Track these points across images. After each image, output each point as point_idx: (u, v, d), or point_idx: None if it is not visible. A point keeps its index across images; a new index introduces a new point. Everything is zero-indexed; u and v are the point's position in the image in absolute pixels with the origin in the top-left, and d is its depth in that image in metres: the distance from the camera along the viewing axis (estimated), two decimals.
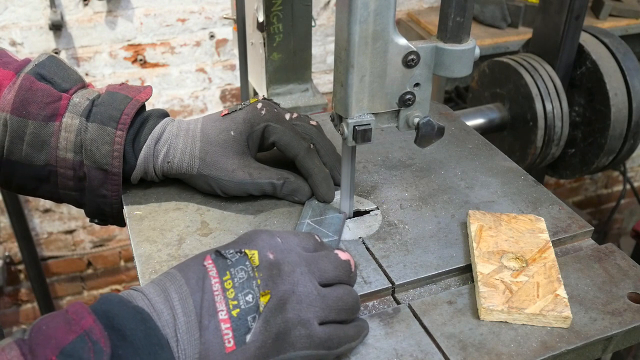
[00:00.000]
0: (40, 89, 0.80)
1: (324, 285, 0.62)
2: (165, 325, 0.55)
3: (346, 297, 0.62)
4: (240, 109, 0.85)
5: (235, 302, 0.56)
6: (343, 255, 0.64)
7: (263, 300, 0.57)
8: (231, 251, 0.59)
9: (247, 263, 0.58)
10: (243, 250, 0.59)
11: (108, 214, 0.88)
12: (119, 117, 0.80)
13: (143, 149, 0.83)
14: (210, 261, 0.58)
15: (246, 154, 0.84)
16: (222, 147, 0.82)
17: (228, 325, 0.55)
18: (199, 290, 0.56)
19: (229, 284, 0.57)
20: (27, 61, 0.83)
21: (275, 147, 0.86)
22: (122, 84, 0.86)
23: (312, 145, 0.86)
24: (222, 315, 0.55)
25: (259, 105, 0.86)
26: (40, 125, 0.79)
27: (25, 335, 0.51)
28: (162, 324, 0.54)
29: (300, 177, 0.86)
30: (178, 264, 0.61)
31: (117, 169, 0.81)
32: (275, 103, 0.88)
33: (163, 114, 0.87)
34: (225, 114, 0.85)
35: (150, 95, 0.85)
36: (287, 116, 0.87)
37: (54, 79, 0.81)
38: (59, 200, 0.88)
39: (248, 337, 0.55)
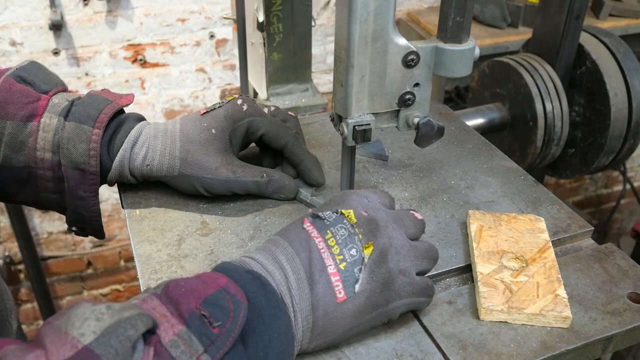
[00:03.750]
0: (19, 90, 0.79)
1: (409, 238, 0.66)
2: (279, 284, 0.59)
3: (432, 249, 0.67)
4: (219, 106, 0.85)
5: (341, 257, 0.60)
6: (418, 215, 0.69)
7: (367, 252, 0.61)
8: (327, 212, 0.63)
9: (345, 221, 0.62)
10: (339, 211, 0.63)
11: (86, 220, 0.85)
12: (97, 116, 0.79)
13: (119, 152, 0.81)
14: (309, 224, 0.63)
15: (228, 152, 0.83)
16: (203, 145, 0.81)
17: (337, 277, 0.59)
18: (304, 250, 0.60)
19: (332, 241, 0.61)
20: (9, 68, 0.82)
21: (258, 141, 0.87)
22: (104, 89, 0.86)
23: (296, 133, 0.88)
24: (331, 269, 0.59)
25: (239, 101, 0.85)
26: (19, 126, 0.78)
27: (158, 290, 0.55)
28: (276, 282, 0.59)
29: (285, 174, 0.86)
30: (279, 231, 0.65)
31: (94, 167, 0.80)
32: (251, 99, 0.88)
33: (139, 118, 0.86)
34: (204, 113, 0.84)
35: (132, 102, 0.85)
36: (266, 110, 0.88)
37: (34, 81, 0.81)
38: (40, 205, 0.87)
39: (357, 287, 0.60)
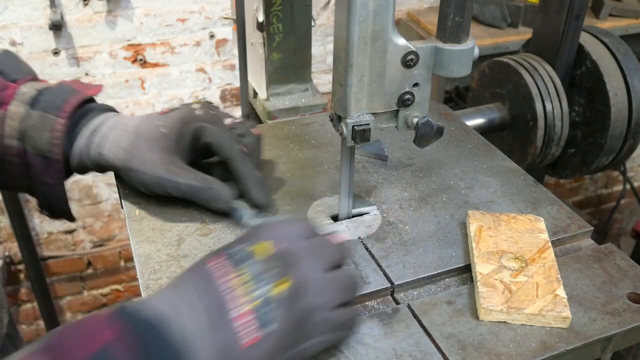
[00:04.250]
0: None
1: (327, 270, 0.63)
2: (178, 333, 0.54)
3: (351, 278, 0.65)
4: (177, 108, 0.86)
5: (250, 297, 0.56)
6: (336, 239, 0.66)
7: (278, 291, 0.57)
8: (237, 248, 0.60)
9: (256, 258, 0.59)
10: (252, 245, 0.60)
11: (54, 204, 0.87)
12: (62, 106, 0.81)
13: (77, 139, 0.83)
14: (215, 262, 0.59)
15: (172, 152, 0.82)
16: (149, 141, 0.82)
17: (250, 317, 0.56)
18: (206, 293, 0.56)
19: (245, 277, 0.57)
20: None
21: (207, 149, 0.84)
22: (75, 80, 0.88)
23: (244, 149, 0.84)
24: (236, 312, 0.55)
25: (195, 105, 0.86)
26: None
27: (47, 341, 0.51)
28: (175, 331, 0.54)
29: (224, 185, 0.82)
30: (185, 271, 0.61)
31: (58, 156, 0.81)
32: (215, 107, 0.88)
33: (107, 109, 0.87)
34: (163, 112, 0.85)
35: (99, 91, 0.87)
36: (228, 120, 0.86)
37: (4, 70, 0.83)
38: (14, 189, 0.89)
39: (267, 329, 0.56)
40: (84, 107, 0.85)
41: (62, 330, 0.52)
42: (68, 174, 0.87)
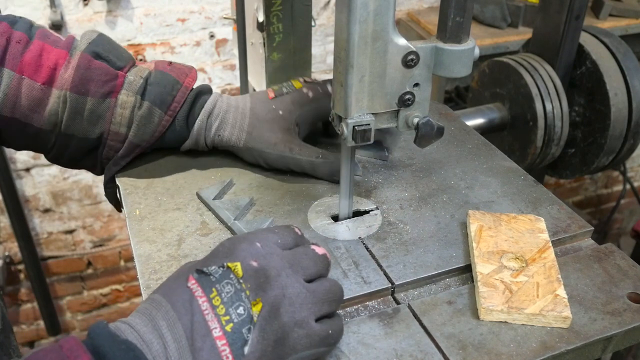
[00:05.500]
0: (97, 68, 0.86)
1: (308, 281, 0.62)
2: (157, 355, 0.53)
3: (333, 288, 0.63)
4: (287, 92, 0.93)
5: (227, 317, 0.55)
6: (320, 250, 0.64)
7: (255, 310, 0.56)
8: (213, 267, 0.58)
9: (232, 276, 0.57)
10: (225, 264, 0.58)
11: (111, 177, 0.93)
12: (170, 103, 0.88)
13: (197, 122, 0.90)
14: (194, 281, 0.57)
15: (291, 132, 0.90)
16: (269, 123, 0.90)
17: (224, 341, 0.54)
18: (187, 313, 0.55)
19: (217, 300, 0.55)
20: (71, 38, 0.89)
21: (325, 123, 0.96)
22: (170, 63, 0.93)
23: None
24: (216, 332, 0.54)
25: (305, 89, 0.93)
26: (98, 102, 0.86)
27: None
28: (153, 354, 0.53)
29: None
30: (161, 286, 0.59)
31: (148, 144, 0.90)
32: (319, 82, 0.95)
33: (210, 89, 0.94)
34: (273, 97, 0.92)
35: (196, 79, 0.92)
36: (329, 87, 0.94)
37: (109, 57, 0.88)
38: (92, 168, 0.95)
39: (246, 349, 0.54)
40: (192, 90, 0.91)
41: (35, 356, 0.51)
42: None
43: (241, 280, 0.57)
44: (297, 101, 0.91)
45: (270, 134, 0.89)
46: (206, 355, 0.53)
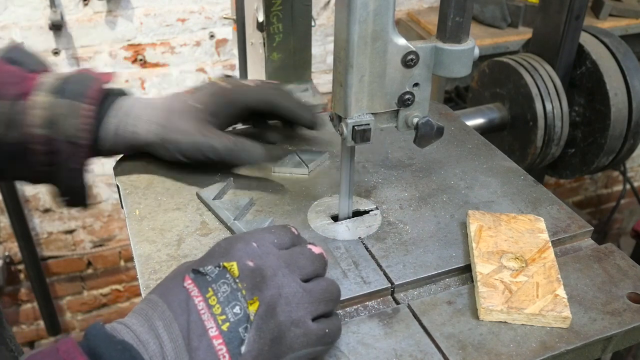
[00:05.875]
0: (9, 71, 0.84)
1: (305, 281, 0.62)
2: (153, 355, 0.53)
3: (330, 288, 0.62)
4: (204, 86, 0.92)
5: (224, 317, 0.55)
6: (316, 250, 0.64)
7: (252, 309, 0.56)
8: (209, 267, 0.58)
9: (228, 276, 0.57)
10: (221, 264, 0.58)
11: (76, 191, 0.90)
12: (87, 93, 0.84)
13: (112, 122, 0.87)
14: (190, 281, 0.57)
15: (207, 122, 0.88)
16: (183, 114, 0.88)
17: (220, 340, 0.54)
18: (183, 313, 0.55)
19: (214, 300, 0.56)
20: None
21: (247, 115, 0.93)
22: (86, 68, 0.92)
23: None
24: (213, 332, 0.54)
25: (222, 83, 0.92)
26: (11, 104, 0.82)
27: None
28: (150, 354, 0.53)
29: (255, 142, 0.88)
30: (157, 287, 0.59)
31: (86, 141, 0.84)
32: (235, 77, 0.94)
33: (122, 92, 0.91)
34: (189, 91, 0.92)
35: (112, 79, 0.91)
36: (252, 83, 0.93)
37: (24, 61, 0.86)
38: (34, 179, 0.91)
39: (243, 349, 0.54)
40: (105, 91, 0.88)
41: (32, 359, 0.51)
42: (93, 158, 0.90)
43: (237, 280, 0.57)
44: (212, 93, 0.90)
45: (184, 123, 0.87)
46: (203, 355, 0.53)
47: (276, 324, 0.57)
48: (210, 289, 0.56)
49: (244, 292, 0.56)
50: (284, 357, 0.58)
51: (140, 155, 0.93)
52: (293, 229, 0.66)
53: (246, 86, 0.92)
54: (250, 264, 0.58)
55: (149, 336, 0.54)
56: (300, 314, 0.59)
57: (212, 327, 0.54)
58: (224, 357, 0.54)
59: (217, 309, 0.55)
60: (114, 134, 0.88)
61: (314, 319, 0.60)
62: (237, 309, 0.55)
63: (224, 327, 0.55)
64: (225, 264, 0.58)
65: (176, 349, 0.54)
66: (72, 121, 0.83)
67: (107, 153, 0.91)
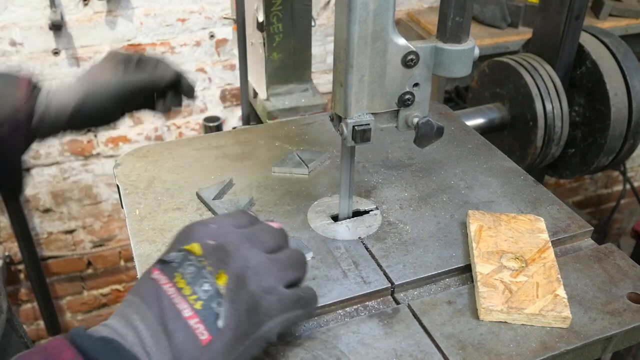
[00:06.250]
0: None
1: (268, 253, 0.63)
2: (133, 344, 0.55)
3: (295, 255, 0.65)
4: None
5: (195, 297, 0.56)
6: (276, 224, 0.66)
7: (221, 283, 0.57)
8: (173, 254, 0.59)
9: (192, 257, 0.59)
10: (183, 248, 0.60)
11: (10, 171, 0.90)
12: (17, 81, 0.86)
13: (42, 101, 0.87)
14: (157, 271, 0.59)
15: (123, 69, 0.89)
16: (95, 73, 0.89)
17: (196, 319, 0.55)
18: (155, 302, 0.56)
19: (182, 283, 0.57)
20: None
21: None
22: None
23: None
24: (187, 312, 0.55)
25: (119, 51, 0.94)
26: None
27: None
28: (129, 344, 0.55)
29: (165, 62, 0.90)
30: (132, 288, 0.61)
31: (23, 114, 0.85)
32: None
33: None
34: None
35: (31, 77, 0.91)
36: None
37: None
38: None
39: (220, 323, 0.56)
40: (32, 82, 0.89)
41: (21, 359, 0.52)
42: (31, 142, 0.90)
43: (201, 259, 0.58)
44: (110, 51, 0.92)
45: (106, 73, 0.88)
46: (181, 336, 0.55)
47: (249, 294, 0.58)
48: (176, 273, 0.58)
49: (209, 268, 0.58)
50: (263, 325, 0.59)
51: (140, 155, 0.93)
52: (251, 212, 0.68)
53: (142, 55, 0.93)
54: (212, 242, 0.60)
55: (127, 330, 0.56)
56: (271, 281, 0.60)
57: (185, 309, 0.56)
58: (202, 334, 0.55)
59: (187, 290, 0.56)
60: (45, 107, 0.87)
61: (287, 285, 0.62)
62: (206, 286, 0.57)
63: (197, 306, 0.56)
64: (187, 247, 0.60)
65: (154, 336, 0.55)
66: (9, 100, 0.84)
67: (46, 132, 0.90)
